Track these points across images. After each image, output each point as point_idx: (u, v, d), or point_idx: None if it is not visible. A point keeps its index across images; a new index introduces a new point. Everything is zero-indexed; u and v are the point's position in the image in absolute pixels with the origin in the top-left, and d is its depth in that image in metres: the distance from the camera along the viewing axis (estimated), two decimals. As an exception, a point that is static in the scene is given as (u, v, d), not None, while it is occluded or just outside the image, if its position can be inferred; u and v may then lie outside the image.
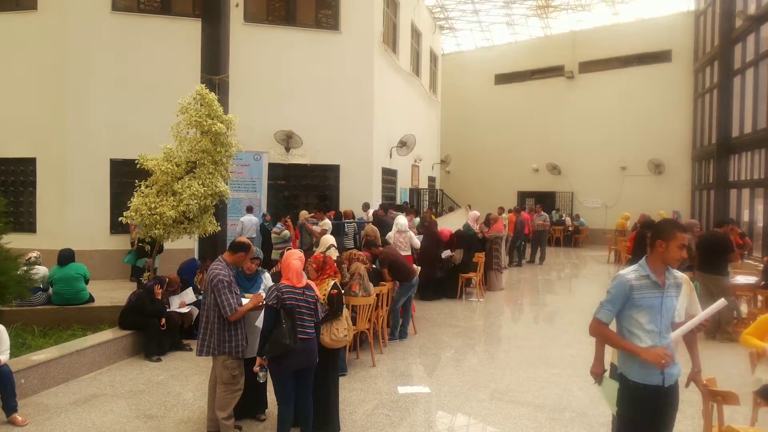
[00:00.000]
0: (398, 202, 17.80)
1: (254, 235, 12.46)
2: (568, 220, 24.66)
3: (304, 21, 15.77)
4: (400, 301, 8.48)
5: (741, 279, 9.25)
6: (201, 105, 8.62)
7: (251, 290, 5.51)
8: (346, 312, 5.47)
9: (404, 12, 19.26)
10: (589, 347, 3.75)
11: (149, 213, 8.14)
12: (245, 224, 12.45)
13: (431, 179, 24.33)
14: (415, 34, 21.35)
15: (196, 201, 8.25)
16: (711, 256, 8.75)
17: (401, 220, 11.14)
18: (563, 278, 15.94)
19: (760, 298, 8.89)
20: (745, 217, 17.39)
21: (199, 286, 8.64)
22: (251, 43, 14.46)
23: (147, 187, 8.51)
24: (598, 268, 17.49)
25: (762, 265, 9.94)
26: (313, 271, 5.53)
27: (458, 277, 11.77)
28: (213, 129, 8.43)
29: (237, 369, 5.08)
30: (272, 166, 14.51)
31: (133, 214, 8.24)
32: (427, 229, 11.98)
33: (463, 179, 28.30)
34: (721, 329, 8.68)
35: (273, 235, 11.94)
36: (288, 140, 14.55)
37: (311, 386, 4.95)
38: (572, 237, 24.08)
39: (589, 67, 25.88)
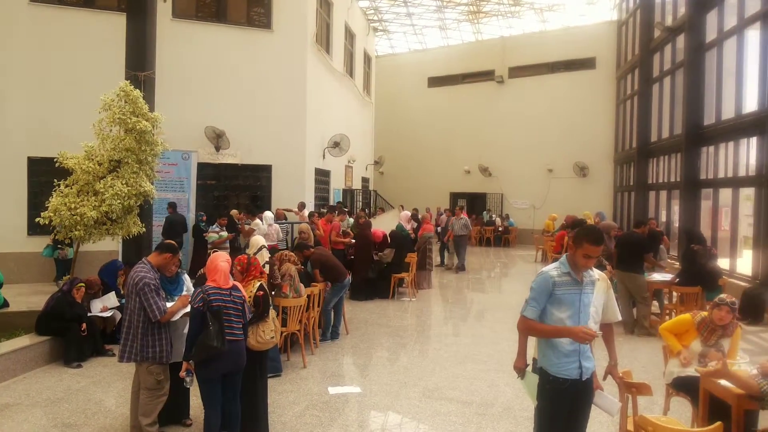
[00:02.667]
0: (331, 202, 17.76)
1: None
2: (498, 220, 25.25)
3: (236, 18, 15.51)
4: (331, 302, 8.47)
5: (657, 276, 9.71)
6: (125, 102, 8.35)
7: (174, 293, 5.36)
8: (273, 313, 5.41)
9: (338, 12, 19.24)
10: (516, 344, 3.86)
11: (69, 213, 7.80)
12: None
13: (365, 180, 24.40)
14: (349, 35, 21.36)
15: (119, 201, 7.98)
16: (628, 256, 9.18)
17: (268, 213, 12.05)
18: (493, 277, 16.32)
19: (675, 294, 9.35)
20: (663, 217, 18.31)
21: (121, 290, 8.34)
22: (180, 40, 14.11)
23: (67, 186, 8.16)
24: (526, 267, 17.99)
25: (678, 263, 10.48)
26: (237, 273, 5.44)
27: (390, 277, 11.84)
28: (137, 127, 8.18)
29: (162, 374, 4.94)
30: (202, 166, 14.19)
31: (51, 214, 7.88)
32: (360, 229, 12.01)
33: (397, 180, 28.55)
34: (638, 324, 9.09)
35: (211, 235, 11.66)
36: (218, 139, 14.27)
37: (239, 389, 4.87)
38: (502, 237, 24.67)
39: (518, 72, 26.62)
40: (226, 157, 14.71)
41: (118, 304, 8.08)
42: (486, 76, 27.28)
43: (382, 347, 8.31)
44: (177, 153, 12.87)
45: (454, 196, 27.94)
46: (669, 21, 18.05)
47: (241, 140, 14.80)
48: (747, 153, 13.08)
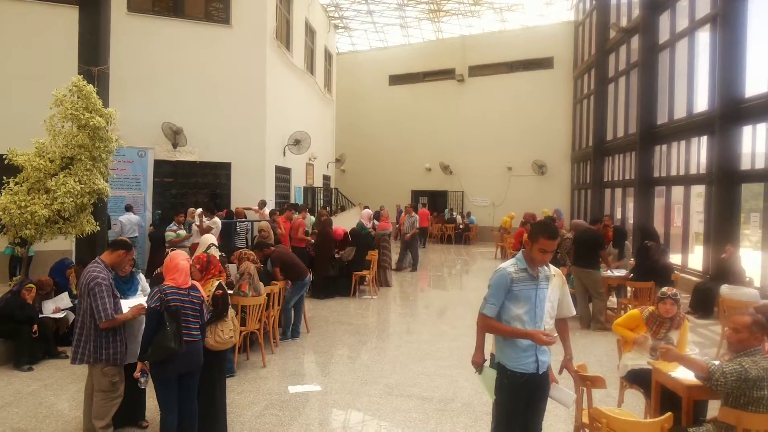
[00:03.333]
0: (292, 200, 17.64)
1: (136, 235, 11.92)
2: (459, 218, 25.46)
3: (193, 13, 15.27)
4: (292, 301, 8.41)
5: (612, 272, 9.92)
6: (78, 97, 8.10)
7: (128, 292, 5.26)
8: (231, 313, 5.34)
9: (298, 9, 19.11)
10: (475, 340, 3.91)
11: (19, 212, 7.55)
12: (124, 224, 11.85)
13: (326, 178, 24.31)
14: (310, 32, 21.23)
15: (72, 199, 7.75)
16: (584, 252, 9.37)
17: (200, 210, 11.78)
18: (453, 274, 16.45)
19: (630, 289, 9.58)
20: (618, 214, 18.75)
21: (73, 290, 8.12)
22: (136, 34, 13.81)
23: (16, 184, 7.87)
24: (486, 264, 18.19)
25: (632, 259, 10.74)
26: (196, 271, 5.34)
27: (351, 275, 11.83)
28: (91, 123, 7.96)
29: (117, 376, 4.83)
30: (159, 163, 13.94)
31: (0, 213, 7.61)
32: (320, 227, 11.95)
33: (359, 178, 28.52)
34: (594, 319, 9.29)
35: (168, 234, 11.43)
36: (175, 136, 14.03)
37: (196, 390, 4.79)
38: (463, 234, 24.88)
39: (478, 71, 26.87)
40: (184, 155, 14.47)
41: (71, 304, 7.86)
42: (447, 74, 27.47)
43: (342, 345, 8.30)
44: (133, 150, 12.61)
45: (416, 194, 28.07)
46: (624, 22, 18.49)
47: (200, 137, 14.58)
48: (698, 152, 13.50)
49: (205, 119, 14.71)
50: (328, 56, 24.78)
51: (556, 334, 3.74)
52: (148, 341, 4.43)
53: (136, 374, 4.53)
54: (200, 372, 4.79)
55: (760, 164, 10.99)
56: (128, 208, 12.27)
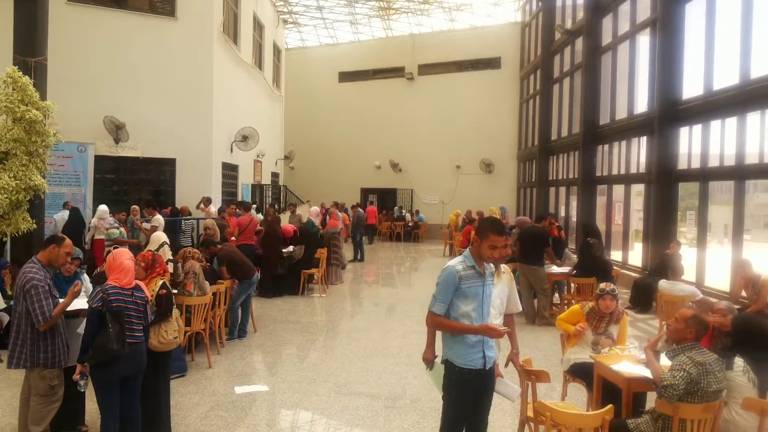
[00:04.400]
0: (240, 198, 17.37)
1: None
2: (408, 216, 25.60)
3: (137, 4, 14.87)
4: (239, 300, 8.27)
5: (556, 269, 10.16)
6: (13, 89, 7.76)
7: (70, 293, 5.04)
8: (176, 312, 5.22)
9: (246, 3, 18.81)
10: (424, 337, 3.94)
11: (-52, 209, 7.19)
12: (58, 221, 11.41)
13: (275, 175, 24.05)
14: (258, 26, 20.94)
15: (6, 195, 7.43)
16: (529, 249, 9.56)
17: (102, 207, 11.28)
18: (403, 272, 16.54)
19: (573, 285, 9.83)
20: (563, 212, 19.21)
21: (8, 290, 7.77)
22: (76, 25, 13.35)
23: (-54, 179, 7.49)
24: (435, 261, 18.36)
25: (575, 256, 11.01)
26: (141, 270, 5.19)
27: (300, 273, 11.73)
28: (27, 116, 7.64)
29: (56, 379, 4.64)
30: (100, 159, 13.49)
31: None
32: (268, 225, 11.81)
33: (308, 175, 28.31)
34: (539, 315, 9.49)
35: (112, 231, 11.07)
36: (117, 131, 13.61)
37: (139, 392, 4.66)
38: (412, 232, 25.03)
39: (427, 69, 27.06)
40: (127, 150, 14.07)
41: (5, 305, 7.52)
42: (396, 72, 27.55)
43: (291, 344, 8.22)
44: (72, 145, 12.15)
45: (365, 192, 28.08)
46: (569, 24, 18.94)
47: (143, 132, 14.19)
48: (638, 152, 13.95)
49: (149, 114, 14.32)
50: (277, 51, 24.50)
51: (504, 328, 3.80)
52: (89, 343, 4.28)
53: (76, 377, 4.38)
54: (143, 374, 4.66)
55: (695, 164, 11.43)
56: (66, 206, 11.82)
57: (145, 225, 11.22)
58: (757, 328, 4.15)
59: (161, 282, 5.13)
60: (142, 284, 4.72)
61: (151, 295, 4.98)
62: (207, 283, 7.15)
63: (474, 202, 22.48)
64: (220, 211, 12.39)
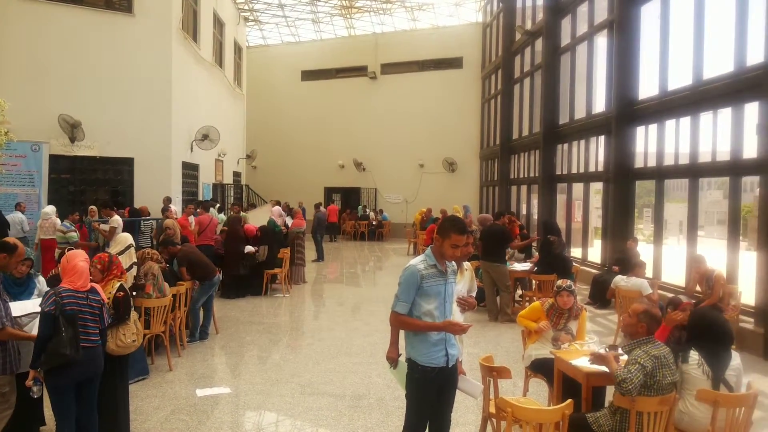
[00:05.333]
0: (200, 197, 17.11)
1: (23, 235, 11.16)
2: (372, 214, 25.59)
3: (92, 0, 14.47)
4: (200, 301, 8.14)
5: (518, 266, 10.30)
6: (-41, 86, 7.49)
7: (22, 297, 4.91)
8: (134, 315, 5.10)
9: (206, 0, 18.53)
10: (388, 335, 3.94)
11: None
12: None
13: (236, 174, 23.76)
14: (218, 24, 20.66)
15: (-47, 196, 7.16)
16: (491, 246, 9.66)
17: (47, 208, 11.09)
18: (367, 271, 16.53)
19: (534, 282, 9.96)
20: (524, 210, 19.48)
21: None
22: (29, 21, 12.95)
23: None
24: (399, 260, 18.40)
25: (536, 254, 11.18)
26: (97, 272, 5.07)
27: (263, 273, 11.61)
28: (-25, 114, 7.38)
29: (8, 386, 4.49)
30: (55, 159, 13.15)
31: None
32: (230, 225, 11.66)
33: (271, 175, 28.02)
34: (502, 311, 9.59)
35: (57, 234, 10.78)
36: (73, 130, 13.27)
37: (96, 397, 4.54)
38: (376, 231, 25.04)
39: (390, 68, 27.07)
40: (83, 149, 13.72)
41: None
42: (359, 71, 27.49)
43: (254, 345, 8.13)
44: (25, 144, 11.81)
45: (329, 191, 27.98)
46: (529, 25, 19.19)
47: (100, 131, 13.86)
48: (596, 150, 14.23)
49: (106, 112, 13.99)
50: (237, 49, 24.21)
51: (468, 323, 3.84)
52: (42, 347, 4.15)
53: (29, 383, 4.23)
54: (100, 379, 4.55)
55: (651, 163, 11.72)
56: (17, 206, 11.47)
57: (103, 226, 10.95)
58: (711, 322, 4.26)
59: (119, 284, 5.02)
60: (97, 287, 4.61)
61: (108, 298, 4.87)
62: (166, 284, 7.02)
63: (437, 200, 22.60)
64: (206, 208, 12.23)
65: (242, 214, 12.98)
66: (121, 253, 6.70)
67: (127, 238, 6.84)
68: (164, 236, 8.94)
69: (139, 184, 14.66)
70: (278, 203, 16.44)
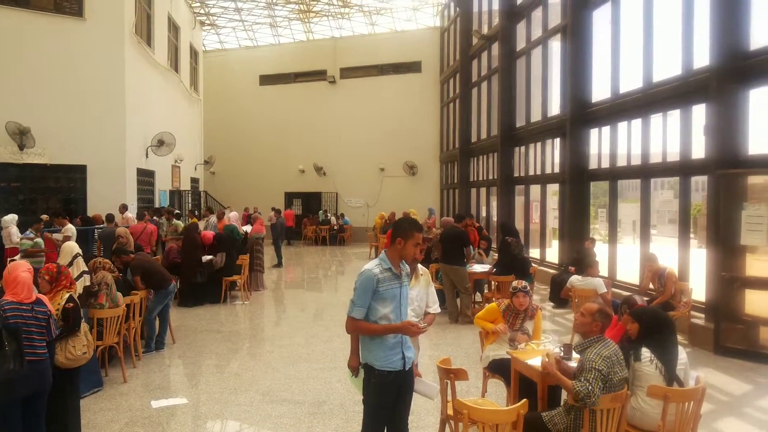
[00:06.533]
0: (157, 204, 16.79)
1: None
2: (333, 219, 25.51)
3: (41, 4, 14.13)
4: (155, 310, 7.95)
5: (477, 267, 10.38)
6: None
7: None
8: (85, 327, 4.96)
9: (160, 3, 18.22)
10: (349, 340, 3.92)
11: None
12: None
13: (194, 180, 23.38)
14: (173, 28, 20.33)
15: None
16: (451, 249, 9.72)
17: (7, 218, 10.73)
18: (329, 276, 16.46)
19: (494, 283, 10.05)
20: (483, 212, 19.68)
21: None
22: (-28, 24, 12.50)
23: None
24: (361, 265, 18.27)
25: (497, 255, 11.29)
26: (45, 283, 4.93)
27: (221, 280, 11.44)
28: None
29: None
30: (3, 166, 12.80)
31: None
32: (186, 232, 11.45)
33: (230, 180, 27.69)
34: (462, 313, 9.65)
35: (25, 242, 10.39)
36: (22, 136, 12.88)
37: (44, 412, 4.39)
38: (337, 236, 24.96)
39: (349, 73, 27.06)
40: (32, 157, 13.31)
41: None
42: (318, 75, 27.40)
43: (212, 354, 7.99)
44: (-30, 152, 11.40)
45: (289, 196, 27.79)
46: (485, 30, 19.42)
47: (50, 138, 13.48)
48: (552, 152, 14.47)
49: (57, 119, 13.62)
50: (194, 54, 23.86)
51: (424, 324, 3.85)
52: (-16, 362, 4.00)
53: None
54: (49, 393, 4.41)
55: (605, 164, 11.97)
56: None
57: (56, 236, 10.63)
58: (663, 320, 4.37)
59: (68, 295, 4.88)
60: (44, 298, 4.47)
61: (57, 309, 4.72)
62: (120, 294, 6.86)
63: (398, 203, 22.65)
64: (140, 217, 11.93)
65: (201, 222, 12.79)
66: (70, 264, 6.51)
67: (73, 247, 6.65)
68: (117, 245, 8.73)
69: (93, 191, 14.30)
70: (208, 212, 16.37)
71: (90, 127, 14.09)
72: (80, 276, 6.63)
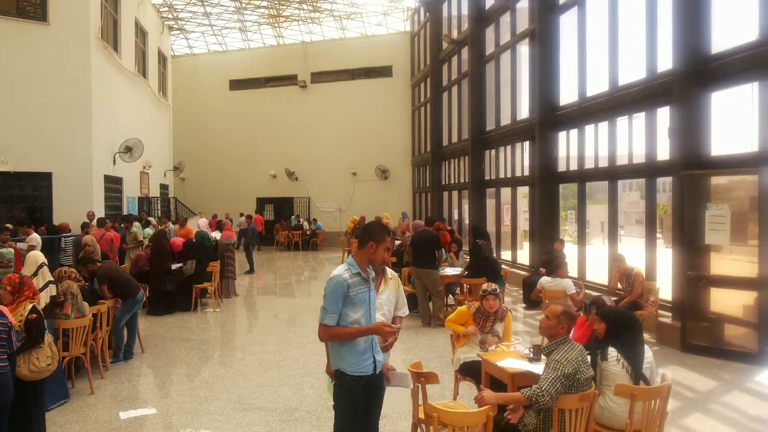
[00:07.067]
0: (125, 212, 16.53)
1: None
2: (305, 224, 25.40)
3: (2, 7, 13.83)
4: (123, 320, 7.81)
5: (449, 270, 10.42)
6: None
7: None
8: (49, 338, 4.86)
9: (126, 8, 17.98)
10: (321, 346, 3.89)
11: None
12: None
13: (164, 187, 23.09)
14: (141, 33, 20.08)
15: None
16: (422, 253, 9.75)
17: None
18: (302, 281, 16.38)
19: (465, 286, 10.10)
20: (456, 215, 19.79)
21: None
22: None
23: None
24: (334, 269, 18.29)
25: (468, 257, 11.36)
26: (7, 294, 4.82)
27: (192, 288, 11.29)
28: None
29: None
30: (-36, 175, 12.40)
31: None
32: (155, 239, 11.29)
33: (201, 186, 27.38)
34: (434, 316, 9.68)
35: None
36: (-17, 144, 12.54)
37: (6, 426, 4.29)
38: (310, 241, 24.85)
39: (320, 77, 27.01)
40: (-5, 165, 13.01)
41: None
42: (289, 80, 27.29)
43: (182, 363, 7.89)
44: (-71, 160, 11.08)
45: (261, 201, 27.61)
46: (455, 34, 19.57)
47: (13, 145, 13.21)
48: (522, 155, 14.63)
49: (20, 126, 13.34)
50: (162, 59, 23.58)
51: (396, 325, 3.85)
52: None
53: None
54: (11, 406, 4.30)
55: (573, 166, 12.14)
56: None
57: (21, 245, 10.37)
58: (629, 320, 4.43)
59: (31, 306, 4.77)
60: (5, 309, 4.37)
61: (20, 321, 4.62)
62: (86, 304, 6.73)
63: (371, 208, 22.66)
64: (101, 223, 11.72)
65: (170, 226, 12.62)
66: (35, 273, 6.35)
67: (38, 257, 6.50)
68: (83, 253, 8.57)
69: (59, 199, 14.03)
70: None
71: (55, 134, 13.83)
72: (46, 286, 6.47)
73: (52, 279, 6.70)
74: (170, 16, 25.32)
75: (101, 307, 7.12)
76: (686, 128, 8.39)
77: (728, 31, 8.32)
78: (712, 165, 8.25)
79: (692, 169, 8.24)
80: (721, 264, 8.02)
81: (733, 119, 8.66)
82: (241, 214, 18.73)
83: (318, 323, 3.72)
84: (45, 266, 6.74)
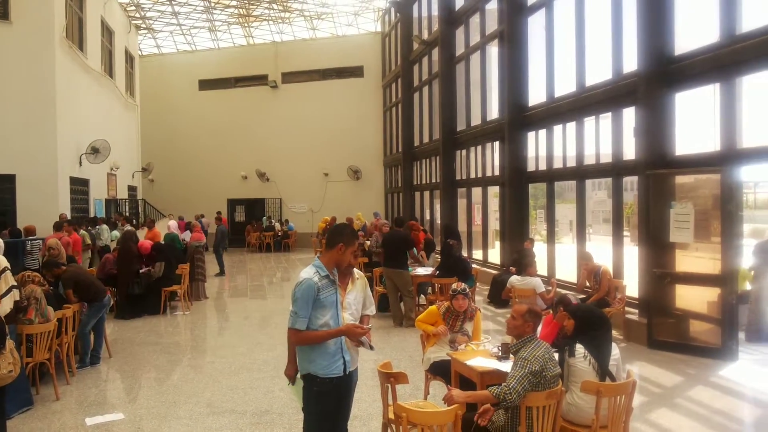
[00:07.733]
0: (92, 214, 16.24)
1: None
2: (277, 225, 25.25)
3: (-39, 6, 13.46)
4: (89, 324, 7.66)
5: (421, 270, 10.46)
6: None
7: None
8: (10, 344, 4.75)
9: (92, 7, 17.67)
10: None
11: None
12: None
13: (132, 189, 22.72)
14: (107, 32, 19.75)
15: None
16: (393, 253, 9.76)
17: None
18: (274, 283, 16.27)
19: (437, 285, 10.14)
20: (428, 215, 19.86)
21: None
22: None
23: None
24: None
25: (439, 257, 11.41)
26: (-34, 299, 4.69)
27: (160, 291, 11.13)
28: None
29: None
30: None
31: None
32: (122, 242, 11.11)
33: (170, 188, 27.00)
34: (406, 316, 9.70)
35: None
36: (-57, 146, 12.20)
37: (-35, 436, 4.19)
38: (282, 242, 24.72)
39: (291, 77, 26.87)
40: (-45, 167, 12.67)
41: None
42: (260, 80, 27.10)
43: (150, 367, 7.77)
44: None
45: (232, 203, 27.37)
46: (425, 35, 19.64)
47: (-25, 147, 12.85)
48: (492, 156, 14.74)
49: (-19, 126, 13.01)
50: (129, 58, 23.22)
51: (369, 326, 3.83)
52: None
53: None
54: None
55: (542, 166, 12.27)
56: None
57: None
58: (597, 317, 4.49)
59: (-9, 311, 4.66)
60: (-36, 316, 4.25)
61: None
62: (50, 308, 6.58)
63: (343, 208, 22.63)
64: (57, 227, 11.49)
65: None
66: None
67: (0, 261, 6.34)
68: (48, 257, 8.39)
69: (23, 202, 13.72)
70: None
71: (18, 135, 13.53)
72: (8, 291, 6.31)
73: (15, 283, 6.55)
74: (137, 15, 24.94)
75: (66, 311, 6.97)
76: (651, 128, 8.55)
77: (691, 32, 8.50)
78: (676, 164, 8.42)
79: (657, 169, 8.40)
80: (685, 261, 8.18)
81: (696, 119, 8.85)
82: (218, 213, 18.56)
83: (288, 328, 3.69)
84: (8, 270, 6.58)
